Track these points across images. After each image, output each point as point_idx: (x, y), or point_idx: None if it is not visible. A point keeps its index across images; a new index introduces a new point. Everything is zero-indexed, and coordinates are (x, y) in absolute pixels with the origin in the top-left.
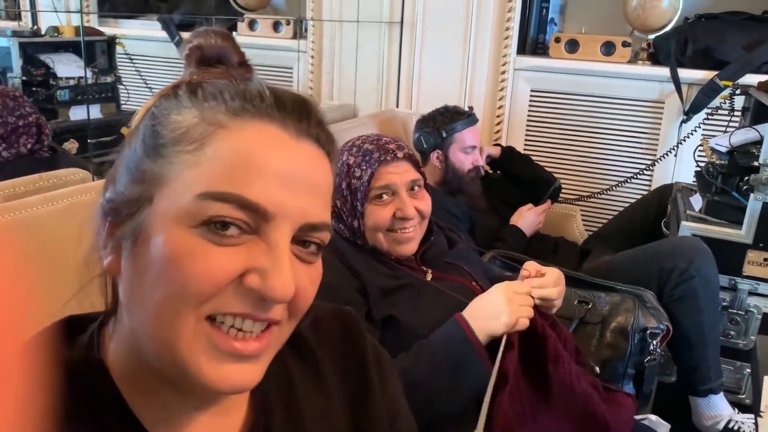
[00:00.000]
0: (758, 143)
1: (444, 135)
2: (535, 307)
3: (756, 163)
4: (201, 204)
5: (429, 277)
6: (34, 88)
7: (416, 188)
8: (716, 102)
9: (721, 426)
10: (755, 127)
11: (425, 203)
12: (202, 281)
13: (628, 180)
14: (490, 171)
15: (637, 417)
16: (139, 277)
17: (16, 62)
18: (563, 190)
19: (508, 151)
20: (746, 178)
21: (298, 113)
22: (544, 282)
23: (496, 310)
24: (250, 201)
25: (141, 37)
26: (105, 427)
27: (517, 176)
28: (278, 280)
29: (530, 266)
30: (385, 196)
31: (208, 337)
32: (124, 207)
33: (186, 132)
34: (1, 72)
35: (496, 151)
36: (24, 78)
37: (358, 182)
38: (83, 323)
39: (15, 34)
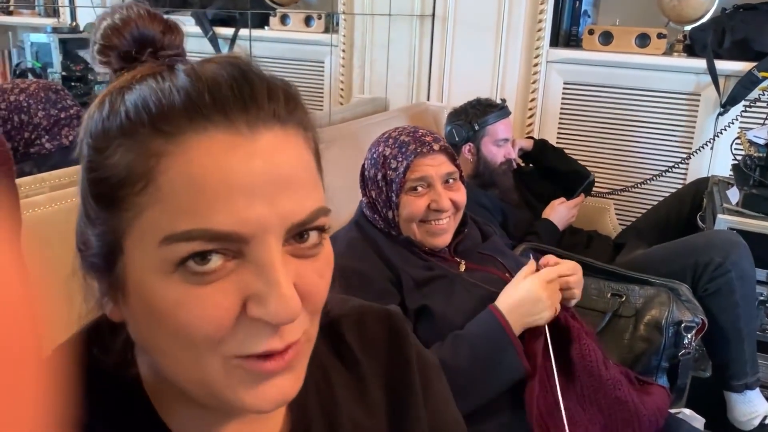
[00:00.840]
0: None
1: (476, 128)
2: None
3: None
4: (167, 249)
5: (462, 268)
6: (73, 83)
7: (451, 181)
8: (754, 94)
9: (756, 422)
10: None
11: (460, 195)
12: (204, 327)
13: (663, 173)
14: (523, 164)
15: (672, 411)
16: (145, 328)
17: (56, 58)
18: (597, 184)
19: (541, 144)
20: None
21: (242, 100)
22: (564, 270)
23: (538, 307)
24: (218, 231)
25: None
26: None
27: (550, 169)
28: (278, 303)
29: (549, 258)
30: (420, 188)
31: (241, 369)
32: (100, 260)
33: (126, 172)
34: (41, 67)
35: (528, 144)
36: (63, 73)
37: (393, 173)
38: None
39: (55, 30)
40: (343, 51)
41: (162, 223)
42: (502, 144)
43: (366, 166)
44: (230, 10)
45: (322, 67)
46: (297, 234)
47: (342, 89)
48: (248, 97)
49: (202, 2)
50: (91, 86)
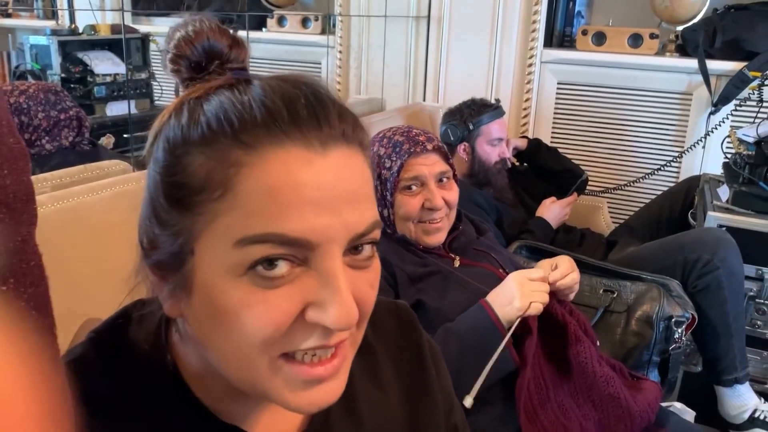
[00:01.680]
0: None
1: (471, 127)
2: (553, 295)
3: None
4: (241, 251)
5: (457, 264)
6: (72, 85)
7: (445, 180)
8: (745, 93)
9: (746, 415)
10: None
11: (453, 194)
12: (264, 328)
13: (656, 172)
14: (517, 163)
15: (663, 404)
16: (203, 325)
17: (56, 60)
18: (590, 182)
19: (535, 144)
20: None
21: (316, 118)
22: (564, 270)
23: (509, 295)
24: (290, 237)
25: None
26: (176, 412)
27: (544, 168)
28: (339, 310)
29: (544, 264)
30: (414, 187)
31: (286, 372)
32: (168, 260)
33: (205, 179)
34: (41, 69)
35: (522, 144)
36: (63, 75)
37: (388, 173)
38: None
39: (54, 33)
40: (340, 52)
41: (236, 228)
42: (496, 143)
43: None
44: (228, 13)
45: (319, 68)
46: (353, 247)
47: (339, 90)
48: (322, 116)
49: (200, 4)
50: (90, 88)
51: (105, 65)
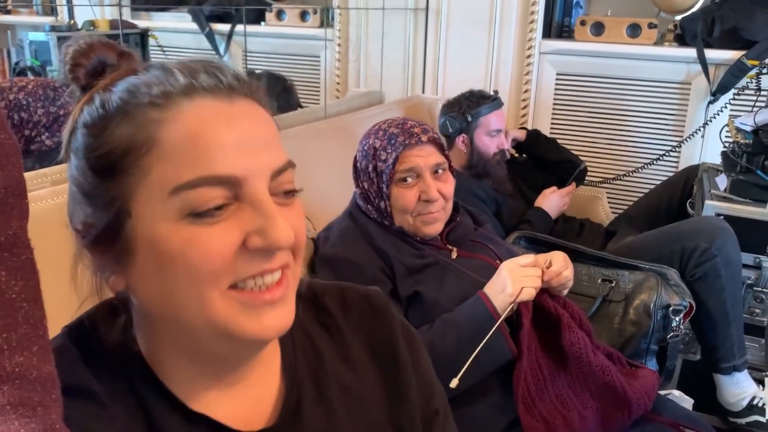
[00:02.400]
0: None
1: (469, 119)
2: (545, 291)
3: None
4: (177, 198)
5: (454, 255)
6: None
7: (440, 171)
8: (743, 82)
9: (745, 403)
10: None
11: (448, 186)
12: (210, 262)
13: (655, 161)
14: (516, 154)
15: (662, 392)
16: (152, 282)
17: (55, 56)
18: (589, 172)
19: (534, 135)
20: None
21: (216, 76)
22: (558, 269)
23: (501, 283)
24: (219, 176)
25: (172, 29)
26: (147, 401)
27: (543, 159)
28: (278, 230)
29: (538, 259)
30: (409, 179)
31: (239, 301)
32: (103, 235)
33: (129, 142)
34: (40, 66)
35: (521, 135)
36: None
37: (383, 165)
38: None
39: (53, 29)
40: (339, 45)
41: (168, 178)
42: (495, 135)
43: (358, 158)
44: (226, 7)
45: (318, 61)
46: (274, 193)
47: (338, 83)
48: (220, 74)
49: (197, 0)
50: None
51: None
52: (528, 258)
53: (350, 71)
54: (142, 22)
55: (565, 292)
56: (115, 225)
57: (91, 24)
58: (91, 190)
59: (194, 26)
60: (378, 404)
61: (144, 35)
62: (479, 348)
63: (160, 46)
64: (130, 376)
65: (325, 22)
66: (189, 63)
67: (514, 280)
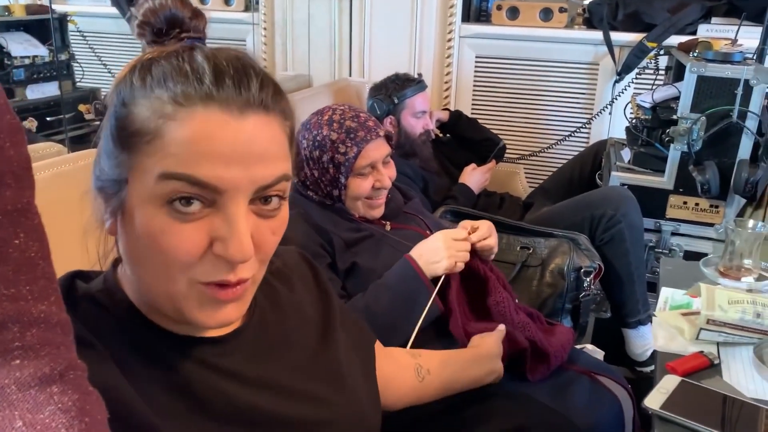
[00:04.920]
0: (678, 99)
1: (396, 101)
2: (476, 253)
3: (675, 117)
4: (161, 183)
5: (388, 228)
6: None
7: (388, 160)
8: (645, 62)
9: (649, 353)
10: (675, 84)
11: (394, 172)
12: (178, 254)
13: (567, 137)
14: (440, 134)
15: (577, 346)
16: (132, 243)
17: None
18: (508, 150)
19: (456, 115)
20: (667, 130)
21: (239, 85)
22: (482, 234)
23: (437, 255)
24: (200, 180)
25: (92, 14)
26: (136, 332)
27: (465, 138)
28: (236, 246)
29: (465, 224)
30: (366, 171)
31: (200, 291)
32: (110, 185)
33: (140, 125)
34: None
35: (445, 116)
36: None
37: (343, 158)
38: (89, 274)
39: None
40: (265, 29)
41: (159, 165)
42: (420, 116)
43: (305, 146)
44: None
45: (245, 45)
46: (263, 197)
47: (265, 67)
48: (244, 85)
49: None
50: (8, 71)
51: (22, 47)
52: (461, 233)
53: (278, 55)
54: (59, 7)
55: (492, 256)
56: (117, 183)
57: (6, 9)
58: (110, 149)
59: (115, 11)
60: (315, 321)
61: (63, 20)
62: (421, 320)
63: (80, 31)
64: (121, 316)
65: (251, 5)
66: (222, 60)
67: (450, 254)
